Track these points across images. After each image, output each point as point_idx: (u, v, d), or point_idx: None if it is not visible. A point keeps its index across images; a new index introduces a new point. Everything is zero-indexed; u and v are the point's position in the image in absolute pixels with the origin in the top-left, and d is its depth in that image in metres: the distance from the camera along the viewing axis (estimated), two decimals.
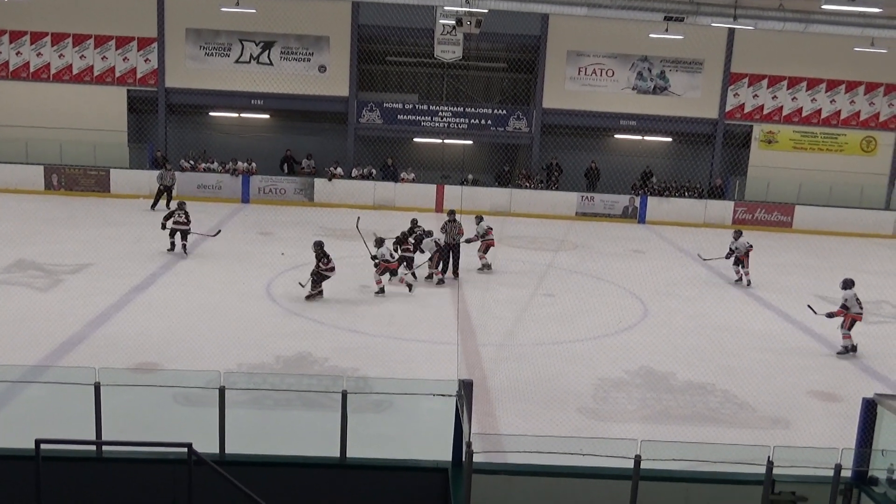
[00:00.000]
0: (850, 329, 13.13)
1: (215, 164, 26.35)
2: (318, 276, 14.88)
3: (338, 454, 7.35)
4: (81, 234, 19.84)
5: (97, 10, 26.35)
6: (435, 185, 26.40)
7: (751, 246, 17.85)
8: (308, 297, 14.76)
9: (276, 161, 26.92)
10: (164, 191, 23.60)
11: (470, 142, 27.72)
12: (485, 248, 17.85)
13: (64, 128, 26.22)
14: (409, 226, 17.64)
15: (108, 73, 26.97)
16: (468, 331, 13.39)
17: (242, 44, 26.91)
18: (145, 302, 14.38)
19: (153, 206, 23.28)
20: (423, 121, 27.27)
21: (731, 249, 18.06)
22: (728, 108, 27.83)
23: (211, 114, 27.91)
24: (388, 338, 12.96)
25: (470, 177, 26.59)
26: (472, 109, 27.39)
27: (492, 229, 18.01)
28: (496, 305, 14.82)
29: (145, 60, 26.92)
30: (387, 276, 15.70)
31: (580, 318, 14.60)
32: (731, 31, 26.42)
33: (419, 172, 26.86)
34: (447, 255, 16.80)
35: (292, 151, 27.06)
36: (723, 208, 26.76)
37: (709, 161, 28.23)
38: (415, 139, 27.60)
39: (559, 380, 11.41)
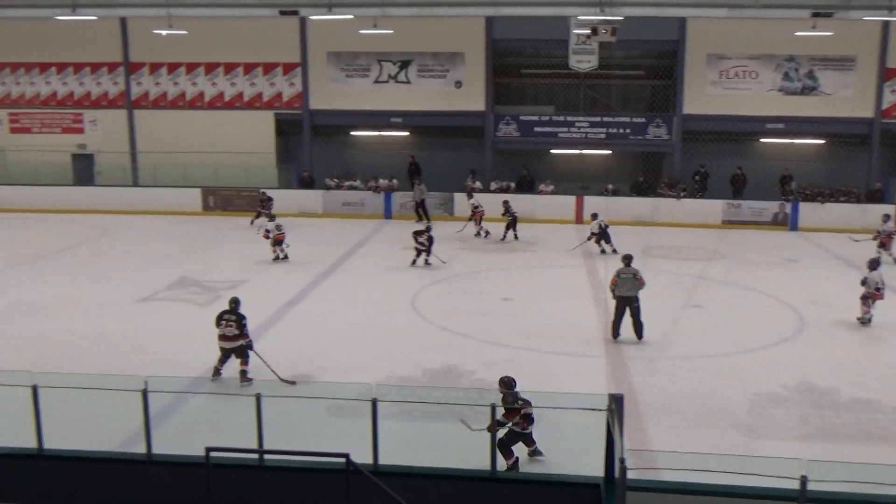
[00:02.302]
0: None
1: (358, 181, 27.11)
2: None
3: (487, 466, 7.38)
4: (236, 252, 20.84)
5: (245, 39, 27.70)
6: (574, 197, 26.16)
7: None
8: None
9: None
10: (420, 204, 25.45)
11: (608, 151, 27.33)
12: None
13: (218, 152, 27.67)
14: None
15: (256, 99, 28.30)
16: (614, 344, 13.16)
17: (381, 64, 27.63)
18: (297, 316, 14.95)
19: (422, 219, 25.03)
20: (560, 132, 27.12)
21: (878, 232, 19.47)
22: (885, 106, 26.22)
23: (353, 133, 28.77)
24: (533, 350, 12.91)
25: (610, 187, 26.20)
26: (610, 118, 27.02)
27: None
28: (643, 317, 14.51)
29: (290, 84, 28.08)
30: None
31: (731, 330, 14.08)
32: (886, 25, 24.94)
33: (558, 184, 26.70)
34: (622, 312, 13.27)
35: (417, 159, 27.50)
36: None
37: (865, 163, 26.65)
38: (552, 151, 27.47)
39: (711, 395, 11.03)
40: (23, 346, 12.89)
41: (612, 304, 13.36)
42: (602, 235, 20.72)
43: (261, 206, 23.56)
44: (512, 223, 22.79)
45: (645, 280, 13.13)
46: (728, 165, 26.39)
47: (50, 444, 7.71)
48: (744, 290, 17.10)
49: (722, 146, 26.31)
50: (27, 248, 21.18)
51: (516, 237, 22.65)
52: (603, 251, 20.63)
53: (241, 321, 11.21)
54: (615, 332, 13.16)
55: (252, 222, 23.73)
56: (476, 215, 22.72)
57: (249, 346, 11.25)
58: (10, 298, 16.04)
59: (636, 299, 12.98)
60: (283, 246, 19.42)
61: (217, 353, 11.29)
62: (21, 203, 27.22)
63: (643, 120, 26.94)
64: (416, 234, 19.05)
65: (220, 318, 11.26)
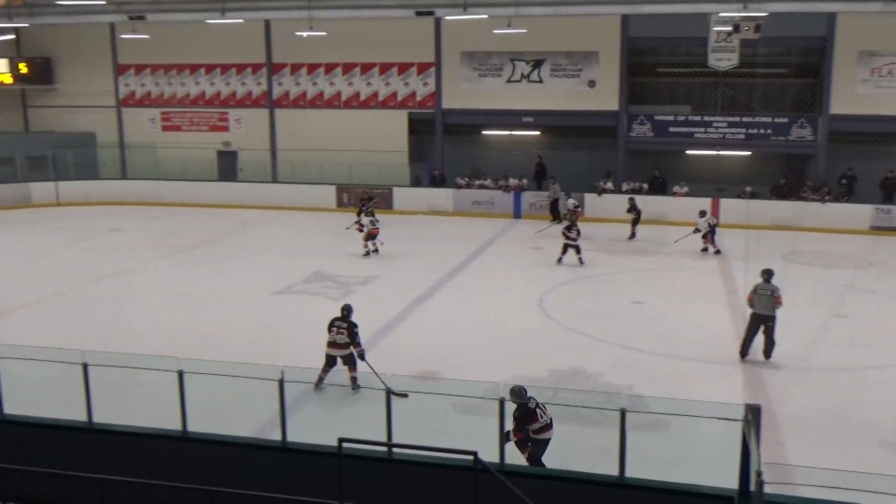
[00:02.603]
0: None
1: (488, 180, 27.21)
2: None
3: (615, 472, 7.25)
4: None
5: (382, 40, 28.28)
6: (709, 199, 25.32)
7: None
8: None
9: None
10: (554, 203, 25.54)
11: (748, 152, 26.33)
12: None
13: (353, 150, 28.41)
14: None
15: (391, 98, 28.86)
16: (749, 352, 12.66)
17: (514, 63, 27.61)
18: (426, 313, 15.15)
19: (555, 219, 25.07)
20: (697, 132, 26.32)
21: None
22: None
23: (484, 132, 28.89)
24: (664, 356, 12.60)
25: (748, 189, 25.22)
26: (750, 118, 26.00)
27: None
28: (781, 326, 13.87)
29: (424, 84, 28.48)
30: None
31: (880, 342, 13.29)
32: None
33: (693, 185, 25.94)
34: (755, 330, 12.32)
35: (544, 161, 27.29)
36: None
37: None
38: (687, 151, 26.71)
39: (856, 409, 10.46)
40: (169, 334, 13.63)
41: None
42: (710, 233, 20.56)
43: (362, 205, 23.08)
44: (636, 219, 22.69)
45: (782, 300, 12.09)
46: (878, 168, 24.88)
47: (193, 427, 8.10)
48: (894, 300, 16.11)
49: (872, 148, 24.85)
50: (174, 241, 22.40)
51: (633, 235, 22.60)
52: (705, 249, 20.45)
53: (352, 329, 11.01)
54: (744, 351, 12.29)
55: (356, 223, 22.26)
56: (575, 215, 21.55)
57: (361, 356, 10.94)
58: (158, 288, 16.98)
59: (772, 318, 12.03)
60: (377, 241, 19.87)
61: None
62: (170, 197, 28.84)
63: (786, 120, 25.77)
64: (567, 229, 19.15)
65: (331, 325, 11.12)
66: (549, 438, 8.59)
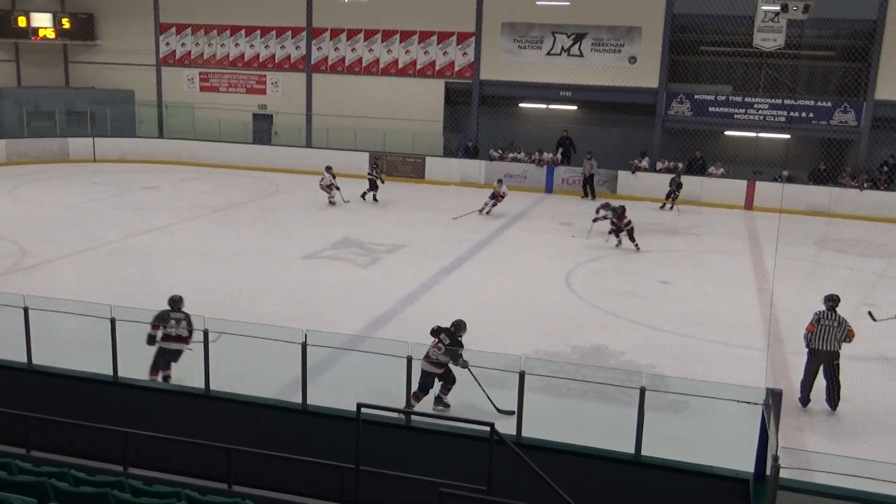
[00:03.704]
0: None
1: (522, 154, 27.05)
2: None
3: (632, 450, 7.25)
4: (398, 217, 21.39)
5: (422, 8, 28.15)
6: (745, 181, 25.00)
7: None
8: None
9: (582, 154, 26.98)
10: (588, 179, 25.56)
11: (787, 136, 25.89)
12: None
13: (388, 118, 28.38)
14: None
15: (429, 67, 28.72)
16: (776, 337, 12.55)
17: (554, 36, 27.30)
18: (452, 284, 15.18)
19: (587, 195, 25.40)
20: (737, 113, 25.92)
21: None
22: None
23: (521, 105, 28.67)
24: (688, 337, 12.53)
25: (785, 173, 24.83)
26: (792, 101, 25.53)
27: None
28: (810, 313, 13.69)
29: (463, 54, 28.29)
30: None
31: None
32: None
33: (729, 167, 25.59)
34: (816, 370, 10.25)
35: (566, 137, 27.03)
36: None
37: None
38: (726, 132, 26.32)
39: (880, 400, 10.35)
40: (197, 293, 13.78)
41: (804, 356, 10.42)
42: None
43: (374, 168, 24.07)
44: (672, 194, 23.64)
45: (855, 332, 10.16)
46: None
47: (215, 385, 8.22)
48: None
49: None
50: (207, 201, 22.61)
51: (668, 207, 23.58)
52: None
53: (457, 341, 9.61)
54: (805, 397, 10.12)
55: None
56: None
57: (465, 366, 9.32)
58: (189, 247, 17.18)
59: (838, 356, 10.01)
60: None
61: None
62: (205, 158, 29.07)
63: (829, 104, 25.28)
64: (602, 207, 19.28)
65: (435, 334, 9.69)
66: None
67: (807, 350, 10.18)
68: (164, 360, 9.67)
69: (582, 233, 19.35)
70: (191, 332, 9.54)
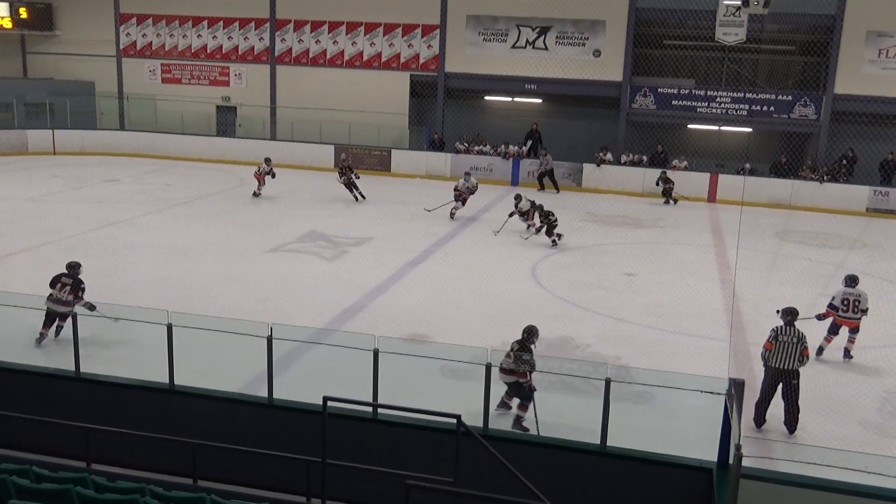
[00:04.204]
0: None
1: (488, 147, 27.09)
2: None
3: (597, 441, 7.32)
4: (364, 209, 21.31)
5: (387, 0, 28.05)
6: (708, 174, 25.30)
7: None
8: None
9: (549, 146, 27.07)
10: (544, 174, 25.56)
11: (749, 129, 26.23)
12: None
13: (353, 111, 28.24)
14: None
15: (394, 59, 28.62)
16: (738, 328, 12.72)
17: (519, 29, 27.36)
18: (419, 276, 15.18)
19: (543, 189, 25.33)
20: (699, 106, 26.19)
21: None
22: None
23: (486, 98, 28.71)
24: (653, 328, 12.66)
25: (747, 166, 25.16)
26: (754, 95, 25.87)
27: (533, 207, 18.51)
28: (771, 304, 13.89)
29: (428, 46, 28.23)
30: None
31: (868, 324, 13.31)
32: None
33: (692, 160, 25.88)
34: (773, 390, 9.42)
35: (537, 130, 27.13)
36: None
37: None
38: (689, 125, 26.60)
39: (839, 389, 10.55)
40: (160, 287, 13.65)
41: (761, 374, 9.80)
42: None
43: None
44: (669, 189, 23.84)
45: (810, 350, 9.63)
46: (879, 150, 24.83)
47: (180, 380, 8.14)
48: (886, 283, 16.11)
49: (874, 129, 24.68)
50: (169, 194, 22.34)
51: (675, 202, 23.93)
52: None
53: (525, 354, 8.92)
54: (759, 417, 9.40)
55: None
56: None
57: (531, 390, 8.85)
58: (151, 241, 16.97)
59: (796, 374, 9.28)
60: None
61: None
62: (167, 150, 28.72)
63: (789, 98, 25.66)
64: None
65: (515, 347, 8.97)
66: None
67: (764, 368, 9.48)
68: (48, 318, 10.51)
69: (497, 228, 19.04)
70: (76, 297, 10.50)
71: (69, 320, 9.34)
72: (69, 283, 10.66)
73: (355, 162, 26.03)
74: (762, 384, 9.45)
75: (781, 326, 9.39)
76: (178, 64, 30.83)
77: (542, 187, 25.32)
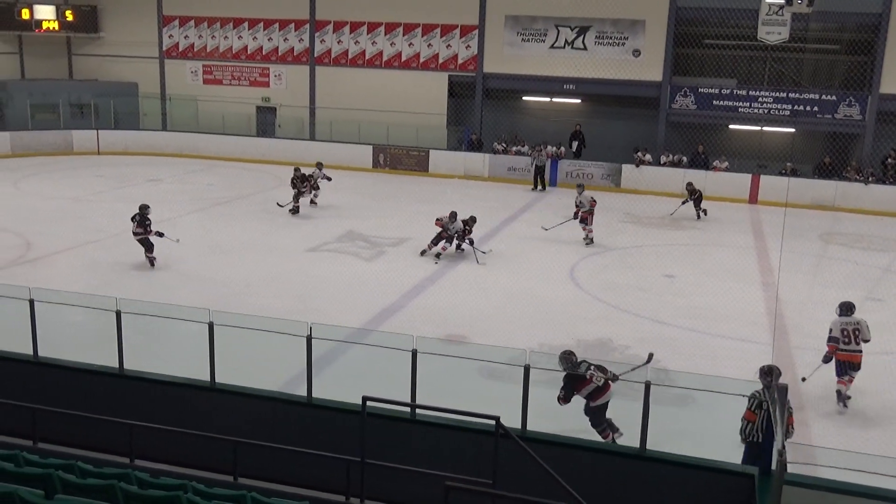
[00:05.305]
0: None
1: (525, 147, 27.01)
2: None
3: (637, 444, 7.25)
4: (402, 210, 21.36)
5: (426, 1, 28.07)
6: (750, 175, 24.96)
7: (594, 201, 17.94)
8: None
9: (592, 147, 26.91)
10: (539, 171, 25.66)
11: (792, 129, 25.82)
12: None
13: (391, 111, 28.33)
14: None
15: (432, 60, 28.66)
16: (781, 331, 12.54)
17: (558, 29, 27.23)
18: (456, 277, 15.18)
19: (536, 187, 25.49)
20: (741, 106, 25.85)
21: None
22: None
23: (524, 98, 28.62)
24: (693, 331, 12.53)
25: (789, 165, 24.77)
26: (797, 95, 25.46)
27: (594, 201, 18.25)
28: (815, 307, 13.70)
29: (466, 47, 28.22)
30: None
31: None
32: None
33: (733, 161, 25.55)
34: None
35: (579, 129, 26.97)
36: None
37: None
38: (730, 126, 26.26)
39: (885, 395, 10.34)
40: (202, 286, 13.81)
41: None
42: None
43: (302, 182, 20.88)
44: (699, 199, 21.78)
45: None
46: None
47: (221, 378, 8.22)
48: None
49: None
50: (211, 194, 22.60)
51: (704, 212, 21.83)
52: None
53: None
54: None
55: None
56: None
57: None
58: (193, 240, 17.16)
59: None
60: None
61: None
62: (208, 150, 29.07)
63: (834, 98, 25.21)
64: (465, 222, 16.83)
65: (586, 369, 8.62)
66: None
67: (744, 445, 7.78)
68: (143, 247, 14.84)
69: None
70: (146, 229, 14.75)
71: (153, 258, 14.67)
72: (137, 219, 14.70)
73: (393, 162, 26.12)
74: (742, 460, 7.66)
75: (761, 390, 7.58)
76: (219, 65, 31.19)
77: (535, 185, 25.53)
